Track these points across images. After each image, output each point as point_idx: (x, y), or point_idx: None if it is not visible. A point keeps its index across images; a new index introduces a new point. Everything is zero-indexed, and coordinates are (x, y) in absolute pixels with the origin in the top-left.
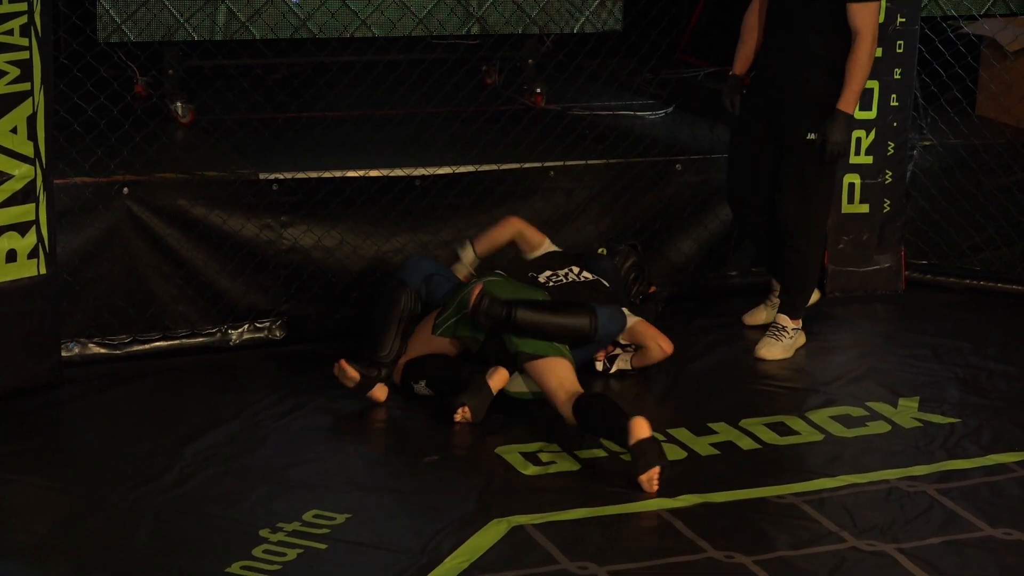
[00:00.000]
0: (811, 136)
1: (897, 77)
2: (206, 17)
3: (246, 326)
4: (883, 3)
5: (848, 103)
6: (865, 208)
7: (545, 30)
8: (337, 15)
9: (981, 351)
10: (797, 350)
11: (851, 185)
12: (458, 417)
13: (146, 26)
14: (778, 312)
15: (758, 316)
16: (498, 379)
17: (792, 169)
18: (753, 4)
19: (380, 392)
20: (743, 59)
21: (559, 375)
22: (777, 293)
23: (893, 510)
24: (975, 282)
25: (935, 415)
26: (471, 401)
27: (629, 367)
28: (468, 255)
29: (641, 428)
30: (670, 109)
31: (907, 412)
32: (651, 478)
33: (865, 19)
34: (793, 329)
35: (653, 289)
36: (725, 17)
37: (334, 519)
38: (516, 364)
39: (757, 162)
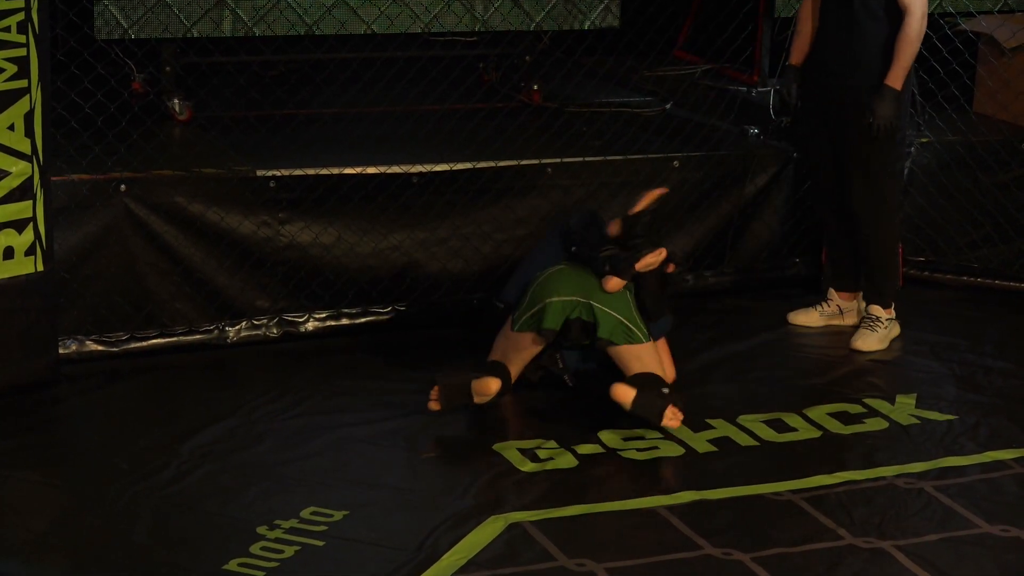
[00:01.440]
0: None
1: None
2: (206, 15)
3: (243, 323)
4: None
5: (896, 79)
6: None
7: (544, 27)
8: (334, 11)
9: (978, 348)
10: (891, 341)
11: None
12: (433, 397)
13: (145, 23)
14: (868, 304)
15: (809, 318)
16: (484, 384)
17: (856, 157)
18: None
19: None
20: (799, 49)
21: (643, 359)
22: (833, 301)
23: (890, 507)
24: (972, 279)
25: (932, 412)
26: (444, 380)
27: None
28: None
29: (624, 394)
30: (667, 106)
31: (904, 409)
32: (670, 419)
33: None
34: (887, 319)
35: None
36: (722, 14)
37: (332, 516)
38: (602, 349)
39: (827, 151)
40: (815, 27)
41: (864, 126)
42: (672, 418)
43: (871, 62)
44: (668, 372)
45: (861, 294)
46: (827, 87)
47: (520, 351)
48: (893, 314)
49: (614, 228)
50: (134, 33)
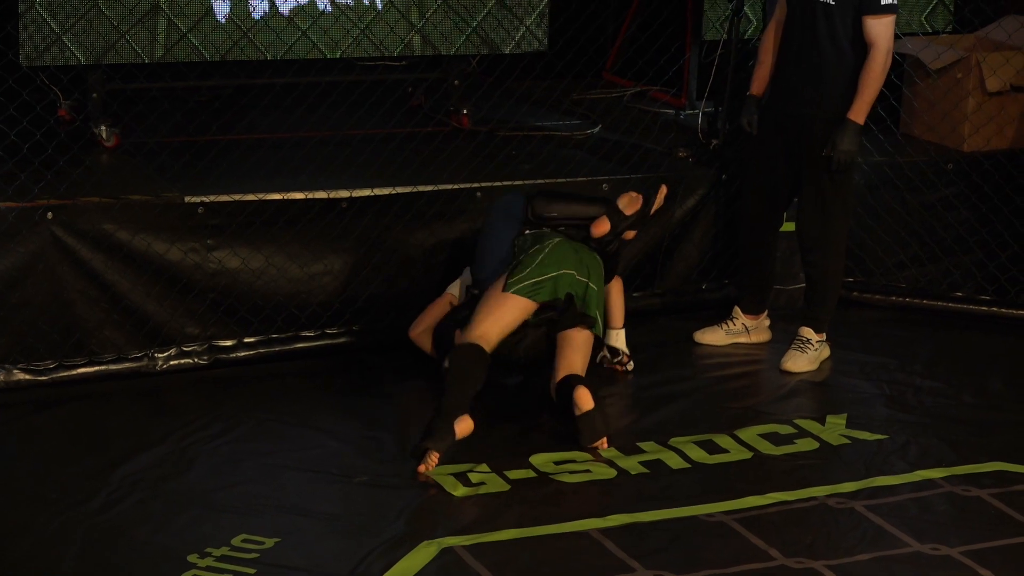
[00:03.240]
0: (826, 152)
1: None
2: (133, 41)
3: (173, 350)
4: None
5: (859, 113)
6: (791, 227)
7: (472, 51)
8: (259, 37)
9: (908, 367)
10: (822, 362)
11: None
12: (422, 469)
13: (70, 49)
14: (802, 325)
15: (714, 336)
16: (464, 427)
17: (812, 185)
18: (770, 26)
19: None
20: (760, 80)
21: (583, 354)
22: (739, 320)
23: (822, 527)
24: (901, 299)
25: (863, 432)
26: (437, 445)
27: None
28: None
29: (585, 399)
30: (596, 129)
31: (835, 429)
32: (598, 446)
33: (880, 32)
34: (818, 342)
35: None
36: (650, 37)
37: (263, 543)
38: (579, 324)
39: (776, 179)
40: (775, 59)
41: (823, 158)
42: (598, 446)
43: (834, 95)
44: (618, 317)
45: (767, 312)
46: (788, 116)
47: (508, 316)
48: (824, 337)
49: (601, 228)
50: (59, 60)
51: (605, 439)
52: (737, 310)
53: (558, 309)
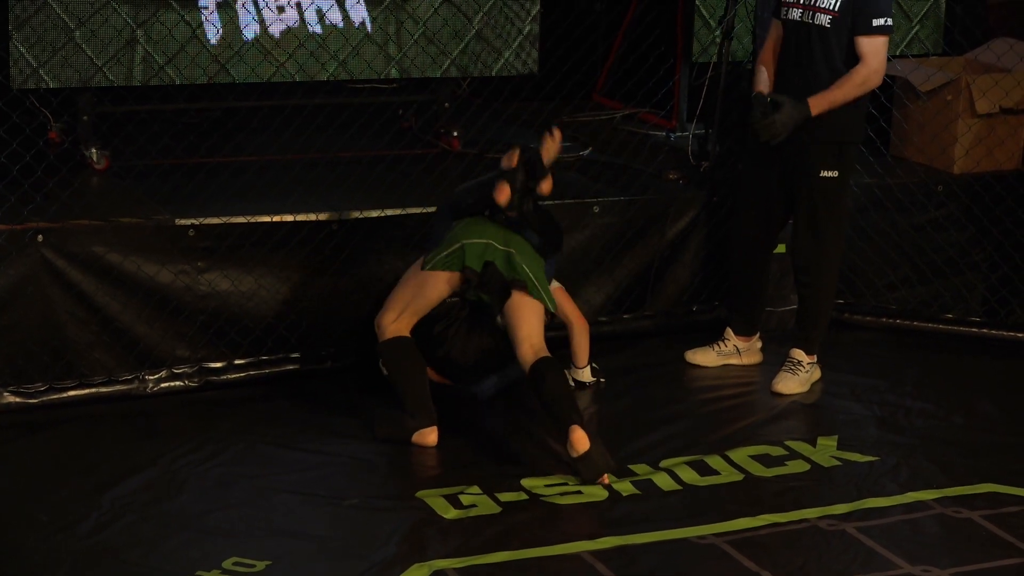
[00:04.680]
0: (825, 174)
1: None
2: (121, 63)
3: (163, 373)
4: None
5: (817, 104)
6: (782, 248)
7: (462, 74)
8: (249, 59)
9: (898, 389)
10: (812, 384)
11: None
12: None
13: (60, 72)
14: (793, 347)
15: (706, 357)
16: (427, 436)
17: (806, 207)
18: (767, 43)
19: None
20: (764, 83)
21: (535, 319)
22: (730, 341)
23: (813, 549)
24: (891, 320)
25: (854, 453)
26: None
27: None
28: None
29: (581, 442)
30: (587, 151)
31: (826, 451)
32: (600, 483)
33: (871, 51)
34: (809, 363)
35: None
36: (640, 59)
37: (254, 566)
38: (508, 291)
39: (770, 201)
40: (774, 75)
41: (819, 179)
42: (601, 482)
43: (829, 116)
44: (576, 320)
45: (758, 334)
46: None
47: (427, 293)
48: (815, 359)
49: (503, 194)
50: (50, 83)
51: (608, 478)
52: (729, 331)
53: (476, 278)
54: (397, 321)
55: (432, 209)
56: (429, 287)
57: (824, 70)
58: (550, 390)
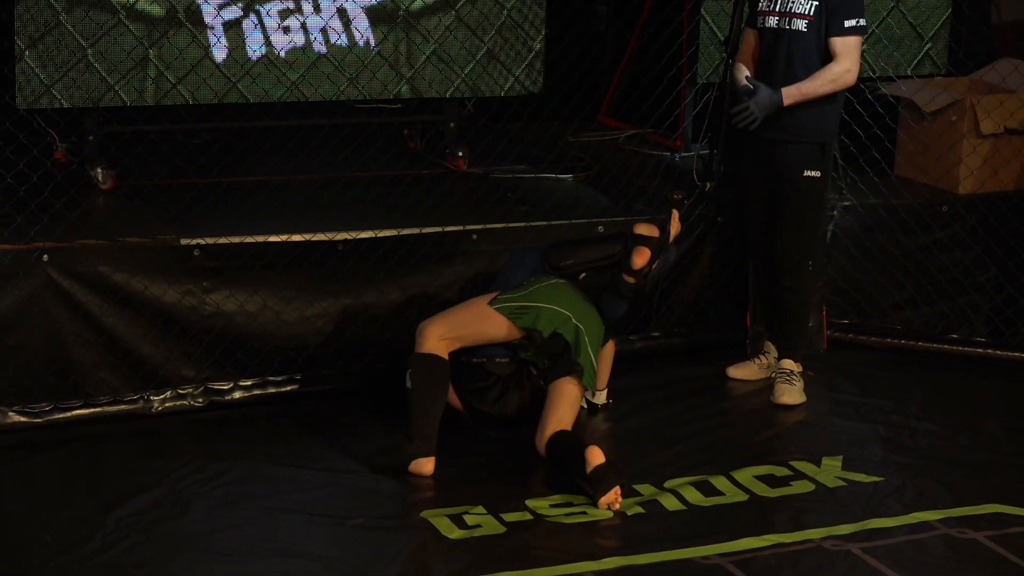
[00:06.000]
0: (808, 174)
1: None
2: (129, 83)
3: (168, 393)
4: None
5: (790, 95)
6: None
7: (468, 94)
8: (259, 80)
9: (903, 409)
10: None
11: None
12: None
13: (67, 92)
14: (782, 357)
15: (747, 371)
16: (424, 466)
17: (789, 209)
18: (744, 47)
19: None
20: (742, 77)
21: (572, 408)
22: (771, 354)
23: (818, 570)
24: (896, 341)
25: (859, 474)
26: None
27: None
28: None
29: (596, 455)
30: (592, 171)
31: (831, 471)
32: (610, 500)
33: (844, 51)
34: (799, 372)
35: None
36: (645, 80)
37: None
38: (567, 372)
39: (761, 210)
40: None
41: (800, 181)
42: (613, 501)
43: (806, 118)
44: (604, 378)
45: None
46: (762, 143)
47: (483, 330)
48: (801, 367)
49: (642, 257)
50: (57, 103)
51: (617, 492)
52: (768, 345)
53: (534, 341)
54: (442, 340)
55: (438, 229)
56: (488, 325)
57: (802, 75)
58: (561, 435)
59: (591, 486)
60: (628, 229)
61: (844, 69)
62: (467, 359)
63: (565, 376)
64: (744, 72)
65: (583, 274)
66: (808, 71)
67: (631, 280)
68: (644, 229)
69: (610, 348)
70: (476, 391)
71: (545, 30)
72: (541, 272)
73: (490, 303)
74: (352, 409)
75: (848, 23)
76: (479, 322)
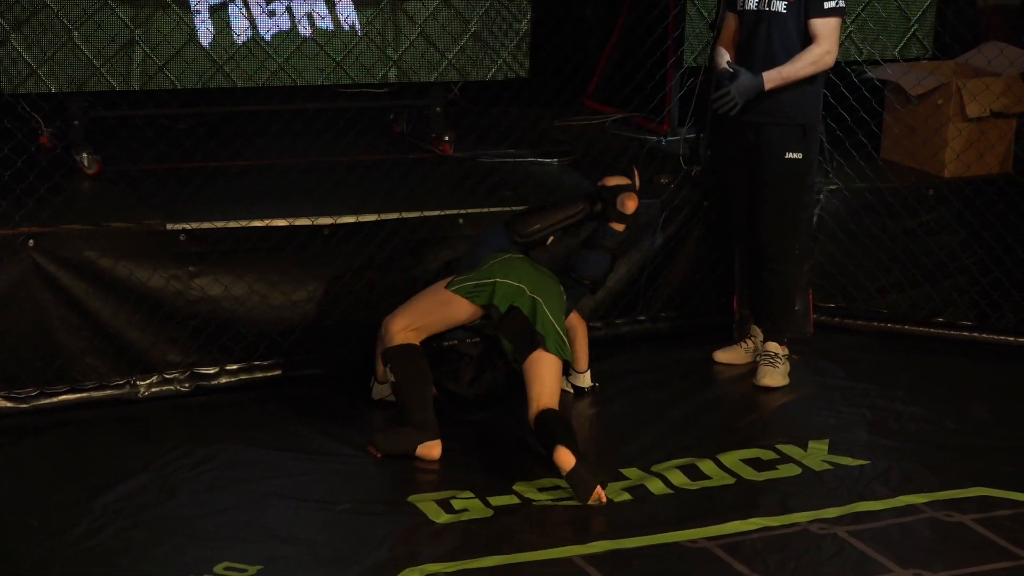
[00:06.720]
0: (790, 156)
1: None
2: (114, 68)
3: (155, 378)
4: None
5: (771, 79)
6: None
7: (455, 78)
8: (243, 64)
9: (890, 393)
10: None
11: None
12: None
13: (53, 76)
14: (766, 340)
15: (734, 355)
16: (432, 449)
17: (771, 190)
18: (724, 31)
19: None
20: (724, 61)
21: (550, 380)
22: (757, 338)
23: (805, 553)
24: (883, 324)
25: (845, 457)
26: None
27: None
28: None
29: (565, 459)
30: (577, 155)
31: (817, 455)
32: (596, 499)
33: (824, 32)
34: (784, 355)
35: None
36: (631, 64)
37: (246, 571)
38: (532, 345)
39: (745, 195)
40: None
41: (783, 163)
42: (596, 499)
43: (787, 100)
44: (578, 324)
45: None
46: (744, 126)
47: (445, 314)
48: (787, 350)
49: (634, 201)
50: (42, 87)
51: (600, 492)
52: (755, 328)
53: (492, 317)
54: (408, 331)
55: (420, 214)
56: (450, 309)
57: (783, 57)
58: (544, 419)
59: (571, 490)
60: (596, 186)
61: (824, 51)
62: (437, 344)
63: (533, 351)
64: (725, 57)
65: (551, 238)
66: (788, 53)
67: (620, 228)
68: (616, 180)
69: (582, 326)
70: (450, 373)
71: (531, 13)
72: (507, 247)
73: (447, 286)
74: (339, 394)
75: (828, 4)
76: (440, 307)
